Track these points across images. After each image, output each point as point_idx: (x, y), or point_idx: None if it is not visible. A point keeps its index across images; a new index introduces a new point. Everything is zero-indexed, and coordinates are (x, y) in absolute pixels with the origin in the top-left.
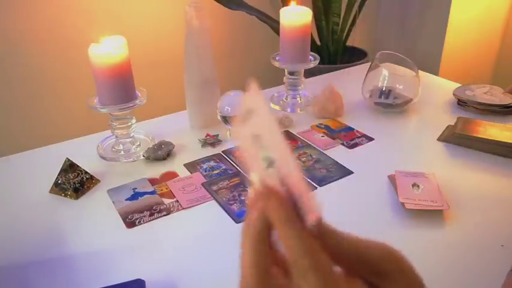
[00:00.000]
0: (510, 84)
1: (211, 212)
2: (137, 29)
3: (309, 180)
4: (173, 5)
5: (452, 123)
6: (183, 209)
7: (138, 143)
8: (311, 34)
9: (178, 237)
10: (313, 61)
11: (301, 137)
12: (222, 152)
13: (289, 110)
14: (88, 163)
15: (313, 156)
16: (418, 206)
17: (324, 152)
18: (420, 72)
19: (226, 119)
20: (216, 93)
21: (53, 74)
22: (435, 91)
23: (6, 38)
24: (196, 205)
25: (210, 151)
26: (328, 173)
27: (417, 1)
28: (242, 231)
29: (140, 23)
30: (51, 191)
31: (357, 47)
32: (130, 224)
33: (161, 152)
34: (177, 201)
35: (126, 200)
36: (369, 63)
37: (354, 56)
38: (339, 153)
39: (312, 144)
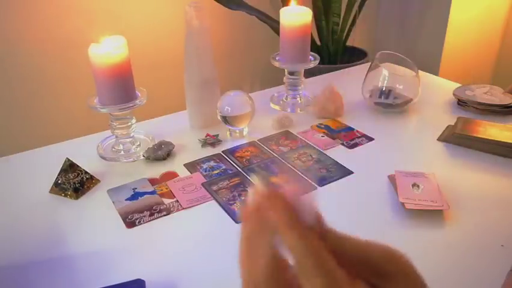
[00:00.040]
0: (510, 84)
1: (211, 212)
2: (137, 29)
3: (309, 180)
4: (173, 5)
5: (452, 123)
6: (183, 209)
7: (138, 143)
8: (311, 34)
9: (178, 237)
10: (313, 61)
11: (301, 137)
12: (222, 152)
13: (289, 110)
14: (88, 163)
15: (313, 156)
16: (418, 206)
17: (324, 152)
18: (420, 72)
19: (226, 119)
20: (216, 93)
21: (53, 74)
22: (435, 91)
23: (6, 38)
24: (196, 205)
25: (210, 151)
26: (328, 173)
27: (417, 1)
28: (244, 240)
29: (140, 23)
30: (51, 191)
31: (357, 47)
32: (130, 224)
33: (161, 152)
34: (177, 201)
35: (126, 200)
36: (369, 63)
37: (354, 56)
38: (339, 153)
39: (312, 144)
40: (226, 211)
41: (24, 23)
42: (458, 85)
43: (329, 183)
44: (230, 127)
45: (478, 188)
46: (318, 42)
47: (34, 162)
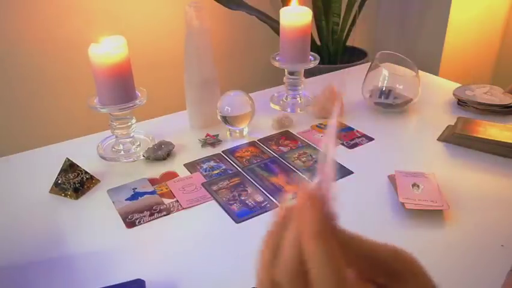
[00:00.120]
0: (510, 84)
1: (211, 212)
2: (137, 29)
3: (309, 180)
4: (173, 5)
5: (452, 123)
6: (183, 209)
7: (138, 143)
8: (311, 34)
9: (178, 237)
10: (313, 61)
11: (301, 137)
12: (222, 152)
13: (289, 110)
14: (88, 163)
15: (313, 156)
16: (418, 206)
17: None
18: (420, 72)
19: (226, 119)
20: (216, 93)
21: (53, 74)
22: (435, 91)
23: (6, 38)
24: (196, 205)
25: (210, 151)
26: None
27: (417, 1)
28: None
29: (140, 23)
30: (51, 191)
31: (357, 47)
32: (130, 224)
33: (161, 152)
34: (177, 201)
35: (126, 200)
36: (369, 63)
37: (354, 56)
38: (339, 153)
39: (312, 144)
40: (226, 211)
41: (24, 23)
42: (458, 85)
43: None
44: (230, 127)
45: (478, 188)
46: (318, 42)
47: (34, 162)
